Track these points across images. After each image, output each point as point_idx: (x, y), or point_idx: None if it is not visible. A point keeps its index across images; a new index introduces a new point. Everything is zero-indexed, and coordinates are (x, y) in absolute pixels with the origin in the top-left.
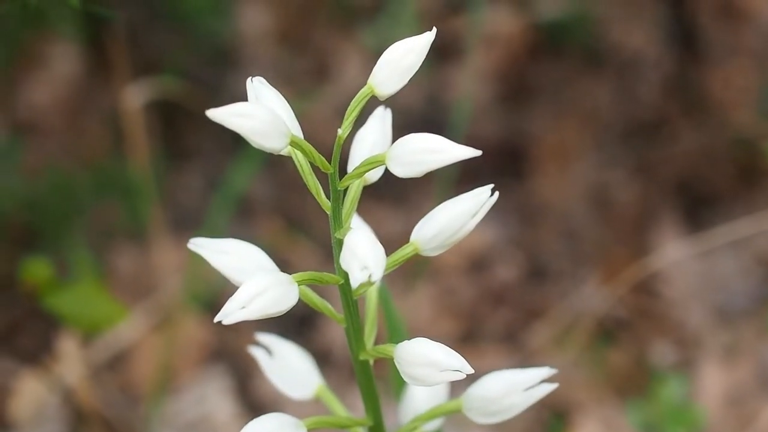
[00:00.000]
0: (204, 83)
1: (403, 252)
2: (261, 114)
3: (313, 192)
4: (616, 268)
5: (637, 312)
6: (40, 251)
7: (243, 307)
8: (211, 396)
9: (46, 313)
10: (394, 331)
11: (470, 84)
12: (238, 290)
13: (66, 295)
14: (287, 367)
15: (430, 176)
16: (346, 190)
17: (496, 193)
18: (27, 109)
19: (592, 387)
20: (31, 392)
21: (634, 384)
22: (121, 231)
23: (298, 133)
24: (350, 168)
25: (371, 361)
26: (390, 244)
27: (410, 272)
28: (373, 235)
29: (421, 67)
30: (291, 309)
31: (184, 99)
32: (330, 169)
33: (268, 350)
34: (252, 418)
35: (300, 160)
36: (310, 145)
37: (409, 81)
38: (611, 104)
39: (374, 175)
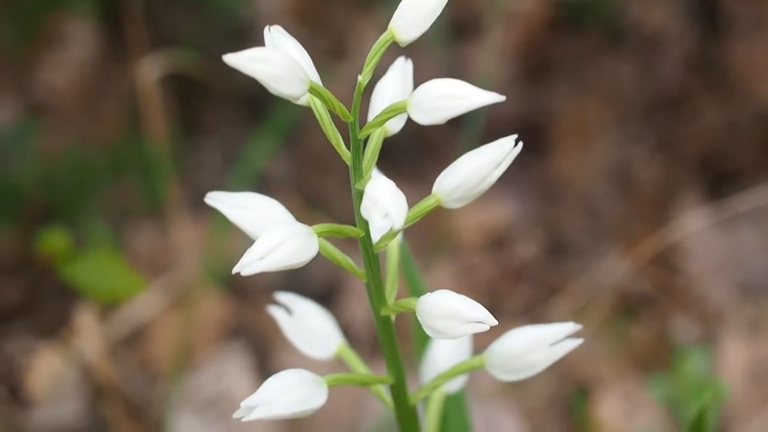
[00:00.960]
0: (221, 60)
1: (425, 204)
2: (280, 59)
3: (333, 142)
4: (638, 244)
5: (659, 287)
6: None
7: (262, 258)
8: (230, 373)
9: (65, 290)
10: (415, 288)
11: (490, 61)
12: (257, 241)
13: (83, 264)
14: (307, 326)
15: (449, 152)
16: (366, 140)
17: (520, 144)
18: (44, 91)
19: (614, 362)
20: (49, 367)
21: (656, 359)
22: (138, 209)
23: (317, 80)
24: (371, 118)
25: (393, 318)
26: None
27: (430, 249)
28: (395, 185)
29: (439, 44)
30: (311, 286)
31: (200, 74)
32: (350, 117)
33: (287, 309)
34: None
35: (319, 108)
36: (330, 93)
37: (427, 58)
38: (633, 81)
39: (395, 126)
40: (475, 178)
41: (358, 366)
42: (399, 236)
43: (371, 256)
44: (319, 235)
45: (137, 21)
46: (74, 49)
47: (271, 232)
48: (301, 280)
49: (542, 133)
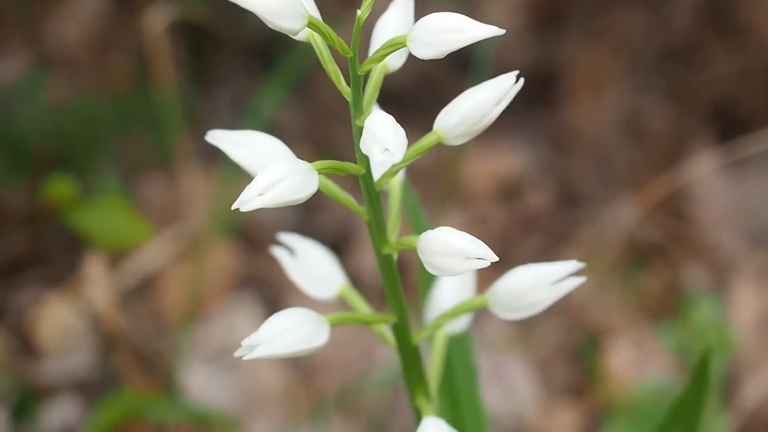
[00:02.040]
0: (229, 8)
1: (427, 140)
2: None
3: (333, 78)
4: (648, 191)
5: (670, 236)
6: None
7: (261, 195)
8: (239, 323)
9: (75, 241)
10: (419, 228)
11: (500, 11)
12: (256, 177)
13: (90, 211)
14: (310, 266)
15: None
16: (367, 77)
17: (521, 80)
18: (54, 44)
19: (625, 311)
20: (58, 318)
21: (667, 308)
22: (148, 160)
23: (317, 15)
24: (371, 53)
25: (395, 256)
26: (419, 174)
27: (441, 199)
28: (394, 120)
29: None
30: (322, 235)
31: (210, 24)
32: (350, 52)
33: (290, 250)
34: None
35: (319, 44)
36: (329, 28)
37: (434, 8)
38: (644, 30)
39: (396, 62)
40: (476, 114)
41: (361, 306)
42: (401, 174)
43: (372, 193)
44: (320, 171)
45: None
46: (84, 2)
47: (270, 168)
48: (312, 230)
49: (553, 83)
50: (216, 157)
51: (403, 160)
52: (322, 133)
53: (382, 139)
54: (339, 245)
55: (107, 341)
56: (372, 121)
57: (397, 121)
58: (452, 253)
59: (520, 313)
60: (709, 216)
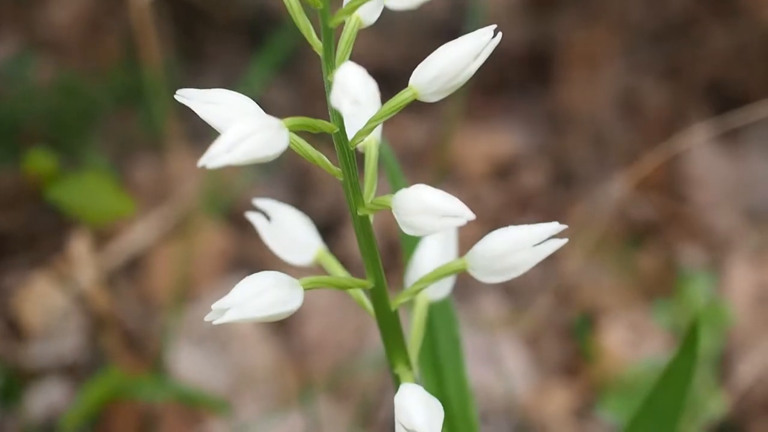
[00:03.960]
0: None
1: (401, 97)
2: None
3: (304, 32)
4: (643, 166)
5: (666, 215)
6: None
7: (229, 151)
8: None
9: (63, 222)
10: (397, 187)
11: None
12: (224, 132)
13: (71, 185)
14: (285, 231)
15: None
16: (341, 31)
17: (499, 35)
18: (46, 26)
19: (619, 290)
20: (44, 298)
21: (663, 288)
22: (137, 140)
23: None
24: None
25: (371, 218)
26: (413, 153)
27: (433, 180)
28: (365, 72)
29: None
30: (312, 218)
31: (199, 1)
32: (319, 4)
33: (266, 216)
34: (271, 327)
35: None
36: None
37: None
38: (640, 8)
39: (370, 17)
40: (452, 69)
41: (338, 271)
42: (376, 133)
43: (346, 152)
44: (291, 128)
45: None
46: None
47: (240, 123)
48: (303, 212)
49: (549, 62)
50: (205, 136)
51: (378, 117)
52: (312, 112)
53: (352, 91)
54: (330, 228)
55: (95, 322)
56: (341, 73)
57: (385, 96)
58: (427, 210)
59: (500, 276)
60: (705, 194)
